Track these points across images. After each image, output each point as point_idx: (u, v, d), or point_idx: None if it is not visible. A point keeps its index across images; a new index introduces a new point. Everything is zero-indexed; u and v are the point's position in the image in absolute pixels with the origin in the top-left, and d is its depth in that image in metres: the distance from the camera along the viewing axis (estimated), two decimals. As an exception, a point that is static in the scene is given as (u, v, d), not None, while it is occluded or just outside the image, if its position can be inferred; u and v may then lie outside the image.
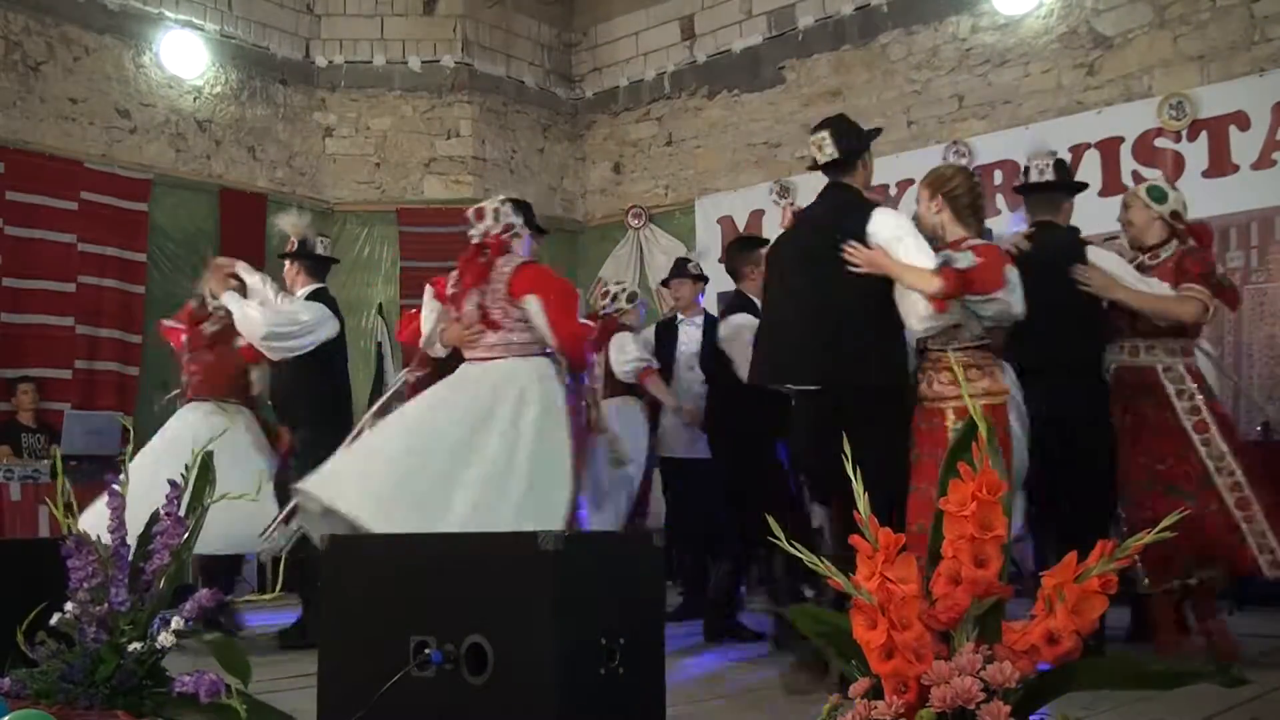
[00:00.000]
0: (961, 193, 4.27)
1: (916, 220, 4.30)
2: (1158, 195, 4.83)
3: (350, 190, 10.48)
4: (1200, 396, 4.63)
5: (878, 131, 4.60)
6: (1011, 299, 4.08)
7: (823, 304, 4.26)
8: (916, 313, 4.07)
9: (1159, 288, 4.64)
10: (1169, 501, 4.35)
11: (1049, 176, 4.98)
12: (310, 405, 5.69)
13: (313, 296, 5.81)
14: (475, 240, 4.82)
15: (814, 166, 4.45)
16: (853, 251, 4.13)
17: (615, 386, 6.27)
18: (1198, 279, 4.61)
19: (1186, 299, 4.58)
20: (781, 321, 4.43)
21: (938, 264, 4.04)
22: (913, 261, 4.06)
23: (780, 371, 4.45)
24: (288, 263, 5.97)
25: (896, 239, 4.12)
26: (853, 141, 4.37)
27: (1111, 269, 4.67)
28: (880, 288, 4.15)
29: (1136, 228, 4.83)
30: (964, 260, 4.04)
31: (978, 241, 4.20)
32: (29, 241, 8.41)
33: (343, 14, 10.52)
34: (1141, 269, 4.76)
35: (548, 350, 4.69)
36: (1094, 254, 4.72)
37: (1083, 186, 5.28)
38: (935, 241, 4.20)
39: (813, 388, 4.32)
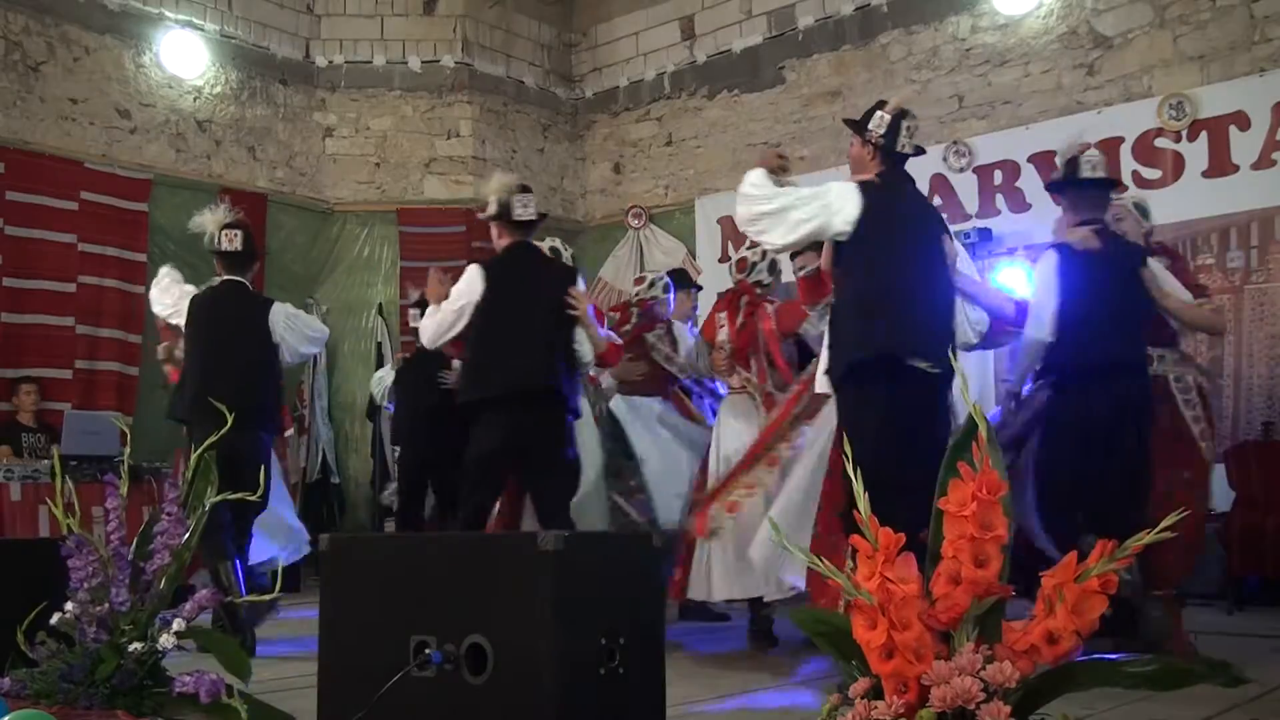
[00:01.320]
0: None
1: None
2: (1144, 212, 4.99)
3: (350, 190, 10.48)
4: (1200, 408, 4.68)
5: None
6: None
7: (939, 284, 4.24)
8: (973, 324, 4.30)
9: (1190, 298, 4.70)
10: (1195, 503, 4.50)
11: (1101, 173, 4.84)
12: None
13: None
14: None
15: (918, 152, 4.38)
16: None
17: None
18: (1202, 295, 4.72)
19: (1215, 311, 4.66)
20: (908, 300, 4.19)
21: None
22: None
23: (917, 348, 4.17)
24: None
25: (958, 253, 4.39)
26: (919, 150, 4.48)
27: (1160, 276, 4.70)
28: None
29: (1130, 239, 4.86)
30: None
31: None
32: (29, 241, 8.41)
33: (343, 14, 10.52)
34: None
35: None
36: (1150, 261, 4.75)
37: (1115, 183, 5.28)
38: None
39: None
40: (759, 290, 5.77)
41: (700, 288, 7.02)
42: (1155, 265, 4.75)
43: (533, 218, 5.29)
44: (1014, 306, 4.40)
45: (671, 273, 6.91)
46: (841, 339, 4.20)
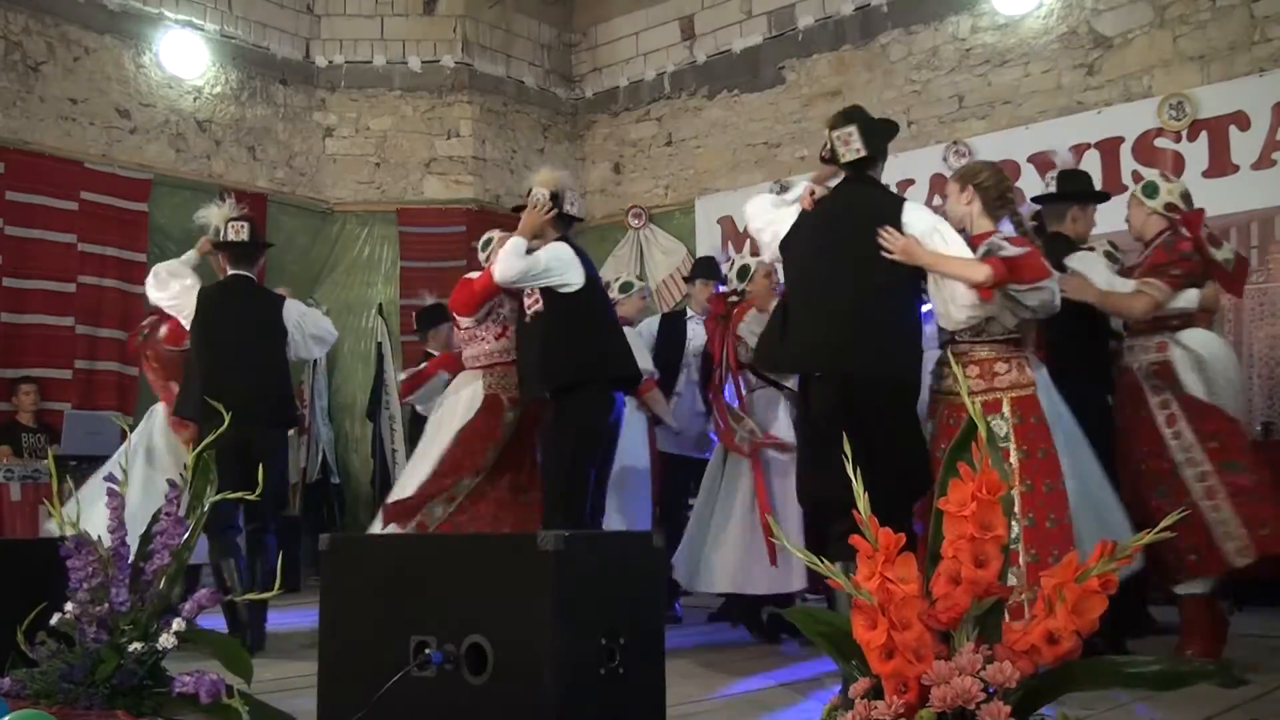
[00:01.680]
0: (990, 185, 4.30)
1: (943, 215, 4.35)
2: (1149, 191, 4.83)
3: (350, 190, 10.48)
4: (1168, 392, 4.63)
5: (896, 128, 4.64)
6: (1055, 288, 4.12)
7: (844, 294, 4.24)
8: (959, 302, 4.08)
9: (1125, 286, 4.67)
10: (1232, 476, 4.48)
11: (1052, 189, 5.10)
12: None
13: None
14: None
15: (833, 161, 4.39)
16: (889, 238, 4.13)
17: None
18: (1152, 270, 4.64)
19: (1137, 294, 4.60)
20: (803, 310, 4.36)
21: (981, 253, 4.08)
22: (953, 252, 4.10)
23: (797, 360, 4.48)
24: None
25: (933, 229, 4.16)
26: (879, 140, 4.40)
27: (1086, 269, 4.70)
28: (900, 281, 4.17)
29: (1135, 226, 4.85)
30: (1009, 249, 4.07)
31: (1009, 233, 4.23)
32: (29, 241, 8.41)
33: (343, 14, 10.52)
34: (1134, 266, 4.81)
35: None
36: (1075, 259, 4.75)
37: (1093, 195, 5.25)
38: (961, 234, 4.25)
39: (817, 376, 4.32)
40: (733, 299, 5.86)
41: (725, 279, 6.99)
42: (1081, 260, 4.78)
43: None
44: (984, 271, 4.31)
45: (700, 261, 6.86)
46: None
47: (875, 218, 4.21)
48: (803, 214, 4.41)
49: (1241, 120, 7.46)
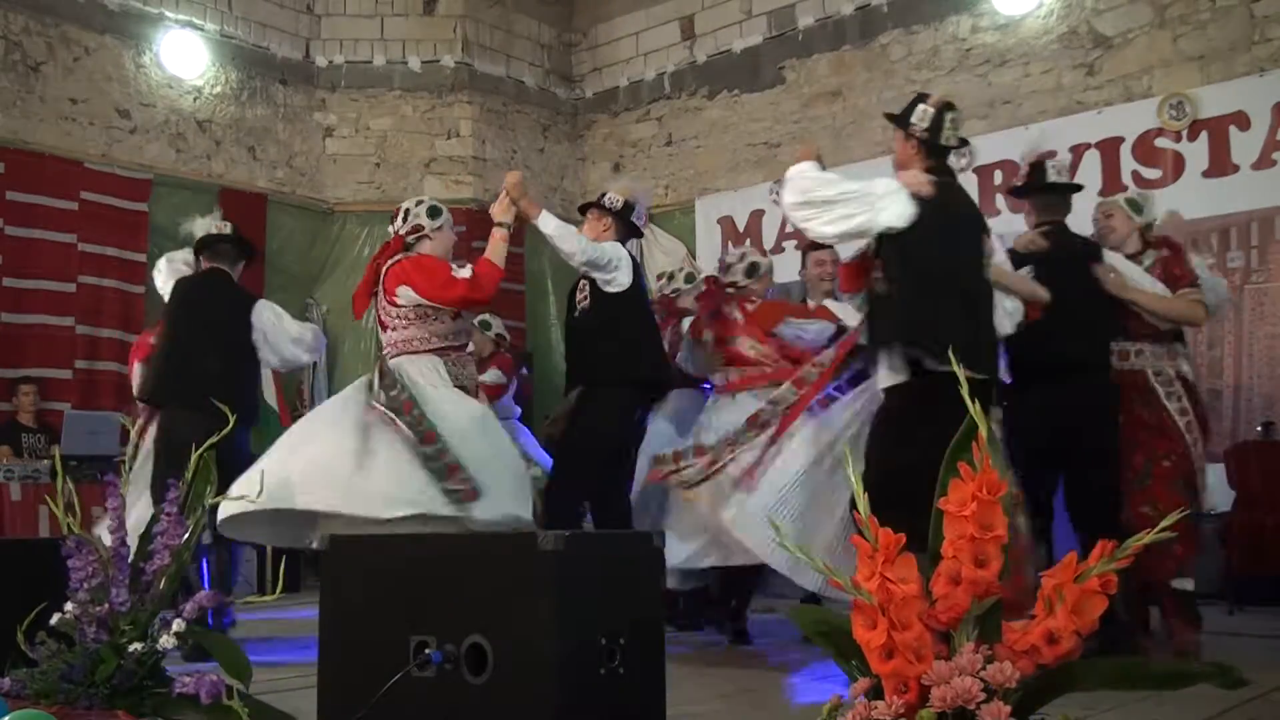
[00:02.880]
0: None
1: None
2: (1136, 207, 4.97)
3: (350, 190, 10.48)
4: (1187, 400, 4.71)
5: None
6: None
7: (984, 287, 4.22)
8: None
9: (1164, 290, 4.70)
10: (1177, 497, 4.50)
11: (1065, 178, 5.04)
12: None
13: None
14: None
15: (927, 140, 4.25)
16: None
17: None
18: (1180, 281, 4.70)
19: (1194, 302, 4.67)
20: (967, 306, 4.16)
21: None
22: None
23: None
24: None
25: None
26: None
27: (1125, 270, 4.73)
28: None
29: (1118, 235, 4.90)
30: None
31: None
32: (29, 241, 8.41)
33: (343, 14, 10.52)
34: None
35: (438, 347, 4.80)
36: (1109, 255, 4.77)
37: (1079, 187, 5.29)
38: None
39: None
40: (731, 291, 5.74)
41: (727, 268, 7.05)
42: (1116, 259, 4.79)
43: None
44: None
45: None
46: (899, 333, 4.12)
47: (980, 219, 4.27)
48: (928, 203, 4.11)
49: (1241, 120, 7.46)
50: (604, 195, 5.32)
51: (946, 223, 4.10)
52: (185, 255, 5.86)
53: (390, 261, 4.94)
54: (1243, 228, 7.40)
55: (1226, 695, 3.14)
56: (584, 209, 5.54)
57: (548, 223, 5.04)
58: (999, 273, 4.11)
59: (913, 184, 4.11)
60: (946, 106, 4.23)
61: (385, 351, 4.87)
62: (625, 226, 5.31)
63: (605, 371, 5.07)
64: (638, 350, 5.15)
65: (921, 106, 4.24)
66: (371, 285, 5.00)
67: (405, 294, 4.79)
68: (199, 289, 5.63)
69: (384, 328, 4.91)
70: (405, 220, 5.11)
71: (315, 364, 9.92)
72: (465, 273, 4.77)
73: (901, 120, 4.29)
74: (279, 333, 5.58)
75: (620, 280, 5.09)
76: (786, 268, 8.47)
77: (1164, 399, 4.71)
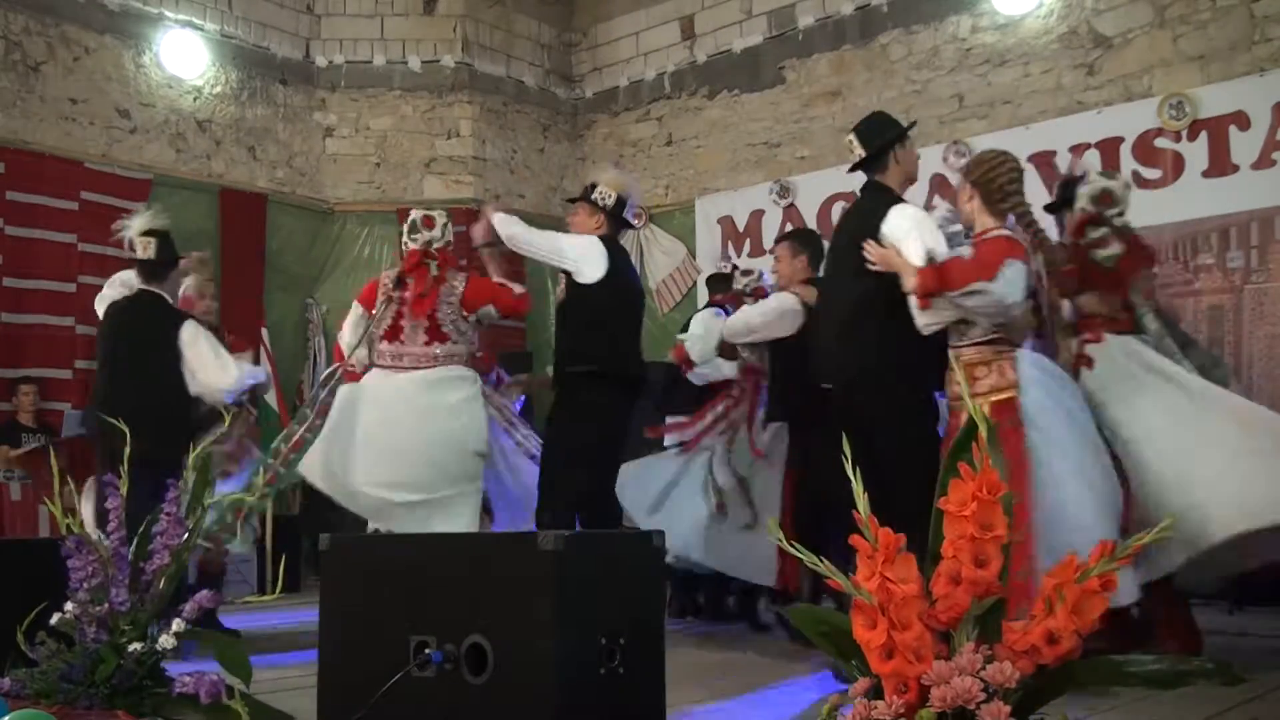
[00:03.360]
0: (990, 179, 4.26)
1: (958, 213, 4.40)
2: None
3: (350, 190, 10.48)
4: None
5: (911, 125, 4.65)
6: (997, 291, 4.00)
7: (844, 303, 4.40)
8: (914, 311, 4.16)
9: None
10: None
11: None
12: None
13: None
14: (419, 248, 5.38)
15: (853, 168, 4.55)
16: (869, 249, 4.21)
17: None
18: None
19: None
20: (821, 321, 4.64)
21: (938, 259, 4.07)
22: (909, 259, 4.11)
23: (816, 371, 4.59)
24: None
25: (905, 235, 4.17)
26: (877, 138, 4.41)
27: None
28: (892, 284, 4.20)
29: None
30: (966, 253, 4.07)
31: (996, 232, 4.20)
32: (29, 241, 8.40)
33: (343, 14, 10.51)
34: None
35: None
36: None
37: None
38: (970, 233, 4.28)
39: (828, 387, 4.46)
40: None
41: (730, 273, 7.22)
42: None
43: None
44: (910, 281, 4.29)
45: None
46: None
47: (862, 228, 4.33)
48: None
49: (1241, 120, 7.46)
50: (594, 188, 5.24)
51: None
52: (129, 276, 5.62)
53: (460, 276, 5.39)
54: (1243, 228, 7.40)
55: (1226, 694, 3.15)
56: (573, 201, 5.50)
57: (502, 225, 5.19)
58: (898, 266, 4.15)
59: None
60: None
61: (438, 361, 5.27)
62: (616, 222, 5.28)
63: (574, 363, 5.09)
64: (607, 343, 5.13)
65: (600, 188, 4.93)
66: (431, 291, 5.28)
67: (485, 312, 5.36)
68: (130, 316, 5.46)
69: (439, 338, 5.26)
70: (444, 233, 5.47)
71: (315, 363, 9.94)
72: (519, 289, 5.46)
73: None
74: (195, 357, 5.31)
75: (587, 273, 5.05)
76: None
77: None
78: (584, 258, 5.06)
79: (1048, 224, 4.87)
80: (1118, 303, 4.60)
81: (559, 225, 10.95)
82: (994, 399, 4.04)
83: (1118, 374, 4.47)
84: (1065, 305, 4.61)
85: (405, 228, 5.57)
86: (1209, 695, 3.11)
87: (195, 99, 9.55)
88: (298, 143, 10.27)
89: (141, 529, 3.24)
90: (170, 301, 5.50)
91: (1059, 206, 4.98)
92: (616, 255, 5.19)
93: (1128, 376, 4.46)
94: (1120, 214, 4.73)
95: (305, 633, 5.34)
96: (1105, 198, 4.72)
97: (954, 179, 8.50)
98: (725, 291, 7.02)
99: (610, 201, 5.21)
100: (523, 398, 7.44)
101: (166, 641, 3.03)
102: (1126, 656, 2.11)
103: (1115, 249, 4.62)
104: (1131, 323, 4.63)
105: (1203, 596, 6.01)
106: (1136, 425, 4.35)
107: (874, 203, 4.41)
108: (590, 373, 5.03)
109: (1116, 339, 4.55)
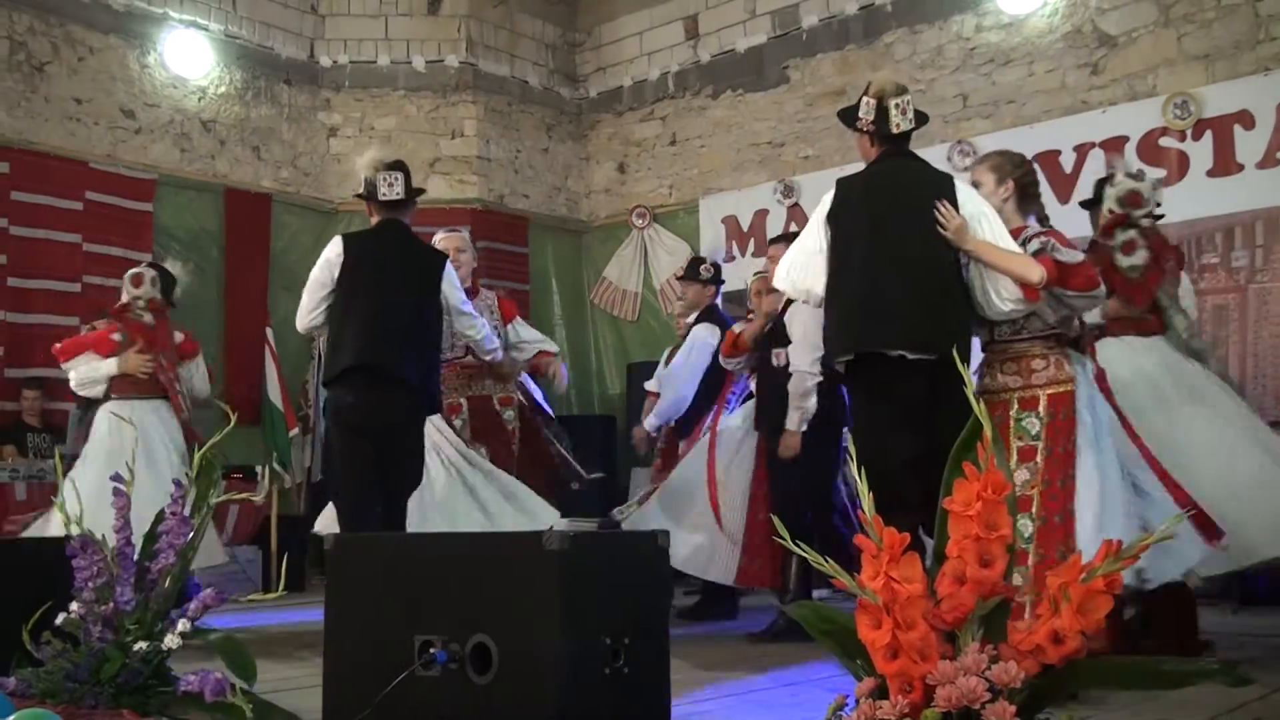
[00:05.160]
0: (1029, 181, 4.28)
1: None
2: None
3: (354, 190, 10.45)
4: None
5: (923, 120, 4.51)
6: (1103, 297, 4.18)
7: (923, 264, 4.12)
8: (1004, 295, 4.02)
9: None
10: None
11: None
12: None
13: None
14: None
15: (874, 130, 4.23)
16: (946, 213, 4.05)
17: None
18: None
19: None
20: (876, 281, 4.13)
21: (1033, 250, 4.05)
22: (1003, 244, 4.05)
23: (886, 337, 4.11)
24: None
25: (981, 214, 4.11)
26: (922, 115, 4.34)
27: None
28: (952, 258, 4.11)
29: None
30: (1065, 254, 4.05)
31: (1036, 229, 4.21)
32: (34, 241, 8.41)
33: (347, 14, 10.52)
34: None
35: None
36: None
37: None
38: None
39: (913, 358, 4.06)
40: None
41: (721, 282, 7.07)
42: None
43: (399, 197, 5.23)
44: (1039, 272, 4.24)
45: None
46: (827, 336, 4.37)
47: (935, 188, 4.14)
48: (850, 187, 4.29)
49: (1246, 119, 7.45)
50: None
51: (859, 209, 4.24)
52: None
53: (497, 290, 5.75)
54: (1247, 227, 7.39)
55: (1232, 694, 3.14)
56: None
57: None
58: (987, 249, 4.06)
59: None
60: (883, 94, 4.20)
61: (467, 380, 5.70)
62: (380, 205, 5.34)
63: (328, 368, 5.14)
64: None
65: (864, 99, 4.24)
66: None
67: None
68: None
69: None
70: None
71: (319, 364, 9.93)
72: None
73: (849, 117, 4.32)
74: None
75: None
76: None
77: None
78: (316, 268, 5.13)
79: (1082, 221, 4.99)
80: (1145, 306, 4.67)
81: (561, 224, 11.03)
82: (1051, 391, 4.06)
83: (1147, 382, 4.56)
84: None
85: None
86: (1213, 695, 3.10)
87: (200, 99, 9.56)
88: (302, 143, 10.28)
89: (147, 530, 3.25)
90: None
91: (1093, 204, 5.00)
92: (358, 243, 5.19)
93: (1153, 386, 4.56)
94: (1148, 214, 4.77)
95: (310, 632, 5.36)
96: (1133, 199, 4.75)
97: (959, 179, 8.52)
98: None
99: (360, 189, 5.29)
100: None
101: (172, 641, 3.04)
102: (1132, 657, 2.11)
103: (1140, 258, 4.66)
104: (1160, 324, 4.70)
105: (1207, 596, 6.01)
106: (1176, 437, 4.43)
107: (927, 168, 4.31)
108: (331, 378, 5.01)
109: (1143, 341, 4.65)
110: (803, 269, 4.33)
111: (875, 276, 4.12)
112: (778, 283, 4.55)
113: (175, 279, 6.26)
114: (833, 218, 4.25)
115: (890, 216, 4.18)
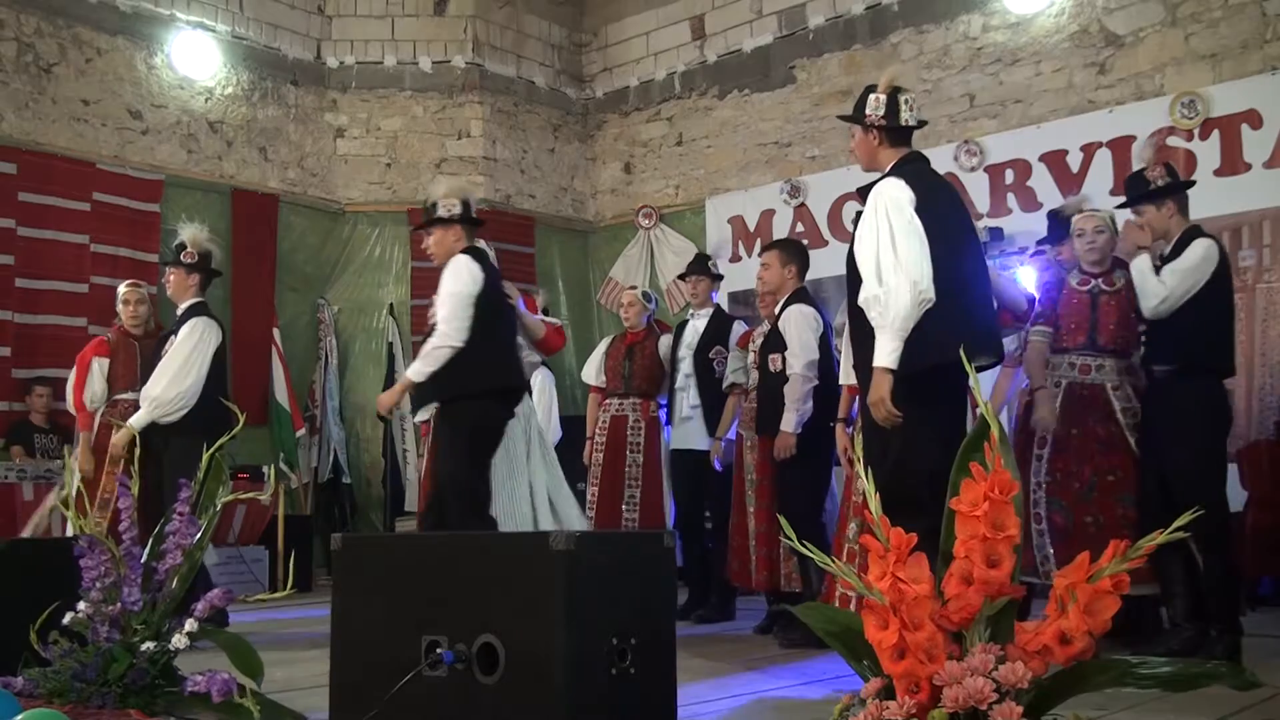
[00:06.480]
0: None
1: None
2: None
3: (361, 191, 10.50)
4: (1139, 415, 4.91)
5: (922, 124, 4.44)
6: None
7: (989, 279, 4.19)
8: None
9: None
10: (1122, 510, 4.79)
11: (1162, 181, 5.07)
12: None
13: (195, 310, 5.91)
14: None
15: (886, 125, 3.97)
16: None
17: None
18: None
19: None
20: (970, 290, 3.89)
21: None
22: None
23: (995, 347, 3.99)
24: (181, 271, 6.00)
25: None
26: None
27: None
28: None
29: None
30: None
31: None
32: (42, 242, 8.43)
33: (353, 15, 10.53)
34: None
35: None
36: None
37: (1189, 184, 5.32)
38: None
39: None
40: None
41: (721, 277, 7.14)
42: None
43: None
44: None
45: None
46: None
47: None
48: (917, 184, 3.86)
49: (1253, 119, 7.43)
50: (435, 206, 5.21)
51: (940, 211, 3.89)
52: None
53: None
54: (1255, 226, 7.38)
55: (1239, 696, 3.13)
56: (423, 225, 5.40)
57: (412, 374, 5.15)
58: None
59: None
60: (897, 90, 4.00)
61: None
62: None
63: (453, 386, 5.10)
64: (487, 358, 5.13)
65: (873, 96, 4.00)
66: None
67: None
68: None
69: None
70: None
71: (326, 364, 9.96)
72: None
73: (856, 116, 4.04)
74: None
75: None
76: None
77: (1119, 415, 4.92)
78: (465, 283, 5.08)
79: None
80: None
81: (568, 225, 11.03)
82: None
83: None
84: None
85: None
86: (1222, 696, 3.09)
87: (207, 100, 9.58)
88: (309, 143, 10.30)
89: (156, 529, 3.26)
90: None
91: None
92: (485, 264, 5.21)
93: None
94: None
95: (317, 632, 5.37)
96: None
97: (965, 179, 8.51)
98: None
99: (456, 211, 5.18)
100: None
101: (179, 641, 3.04)
102: (1140, 658, 2.11)
103: None
104: None
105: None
106: None
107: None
108: (467, 394, 5.06)
109: None
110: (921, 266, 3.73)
111: (981, 286, 3.99)
112: (910, 299, 3.68)
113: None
114: (920, 213, 3.80)
115: (970, 222, 4.14)
